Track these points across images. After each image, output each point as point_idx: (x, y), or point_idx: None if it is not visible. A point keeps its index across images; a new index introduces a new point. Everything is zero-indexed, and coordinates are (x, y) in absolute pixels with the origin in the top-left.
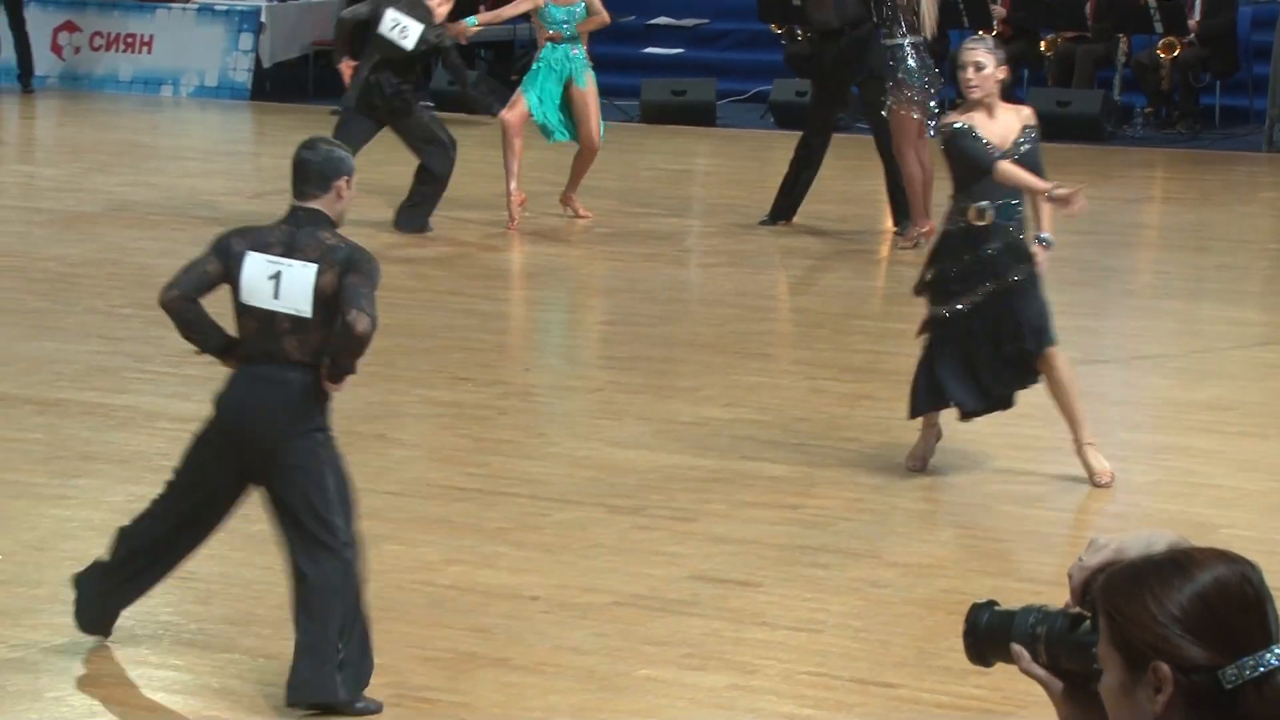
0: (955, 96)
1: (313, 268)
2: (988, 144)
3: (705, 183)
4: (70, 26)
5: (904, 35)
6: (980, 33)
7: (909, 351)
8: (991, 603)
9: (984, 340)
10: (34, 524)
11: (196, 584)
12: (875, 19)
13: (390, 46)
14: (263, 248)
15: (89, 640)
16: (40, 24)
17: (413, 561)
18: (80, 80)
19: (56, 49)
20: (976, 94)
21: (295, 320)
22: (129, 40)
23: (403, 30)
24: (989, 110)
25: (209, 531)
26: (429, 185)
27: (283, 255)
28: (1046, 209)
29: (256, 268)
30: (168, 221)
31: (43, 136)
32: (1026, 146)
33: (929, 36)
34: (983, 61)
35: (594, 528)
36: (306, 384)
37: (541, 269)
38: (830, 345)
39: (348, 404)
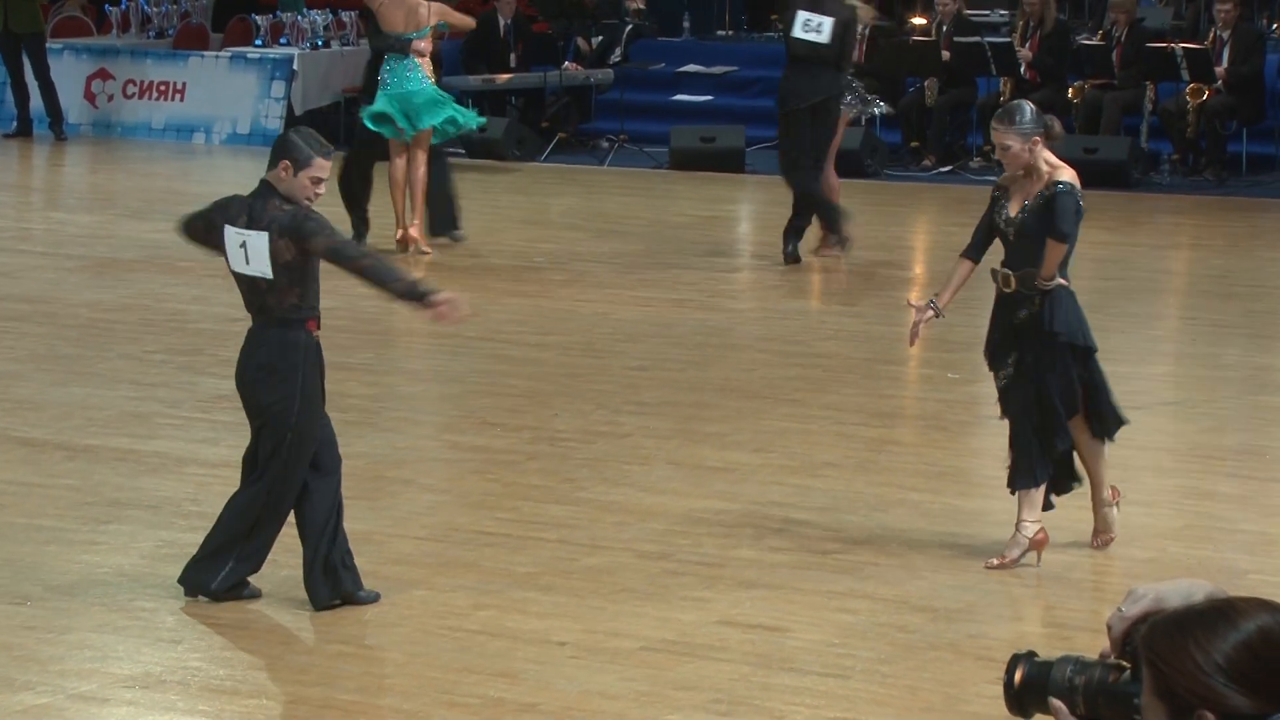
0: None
1: (265, 235)
2: (1005, 213)
3: (734, 228)
4: (103, 74)
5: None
6: (1004, 106)
7: (937, 396)
8: (1031, 653)
9: (1023, 411)
10: (64, 570)
11: (225, 629)
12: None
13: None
14: (232, 220)
15: (117, 687)
16: (73, 72)
17: (440, 607)
18: (113, 128)
19: (90, 96)
20: (1009, 171)
21: (267, 282)
22: (162, 88)
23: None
24: (1027, 175)
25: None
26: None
27: (246, 226)
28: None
29: (230, 238)
30: (199, 268)
31: (75, 183)
32: (1024, 215)
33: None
34: (1008, 144)
35: (622, 573)
36: (284, 340)
37: (570, 314)
38: (858, 390)
39: (376, 449)
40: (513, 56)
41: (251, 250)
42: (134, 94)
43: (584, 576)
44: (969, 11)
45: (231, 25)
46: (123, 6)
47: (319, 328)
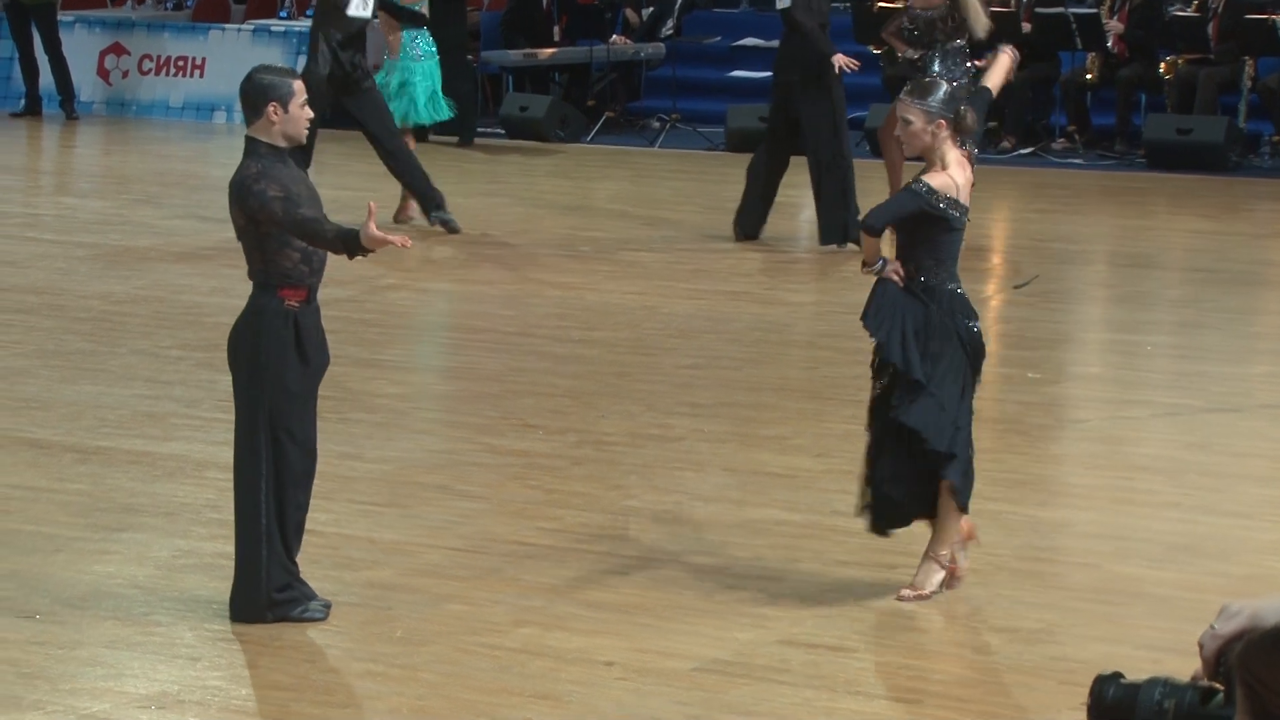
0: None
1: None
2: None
3: (794, 216)
4: (118, 49)
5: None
6: (919, 80)
7: (1015, 398)
8: (1117, 675)
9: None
10: (73, 581)
11: (247, 645)
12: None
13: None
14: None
15: (132, 707)
16: (86, 46)
17: (478, 623)
18: (128, 106)
19: (103, 73)
20: (907, 151)
21: (240, 244)
22: (180, 64)
23: (365, 3)
24: (929, 164)
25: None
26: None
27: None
28: None
29: None
30: (219, 256)
31: (87, 166)
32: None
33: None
34: (909, 119)
35: (674, 587)
36: (254, 305)
37: (618, 307)
38: None
39: (410, 453)
40: (556, 30)
41: None
42: (150, 70)
43: (632, 591)
44: None
45: None
46: None
47: (308, 299)
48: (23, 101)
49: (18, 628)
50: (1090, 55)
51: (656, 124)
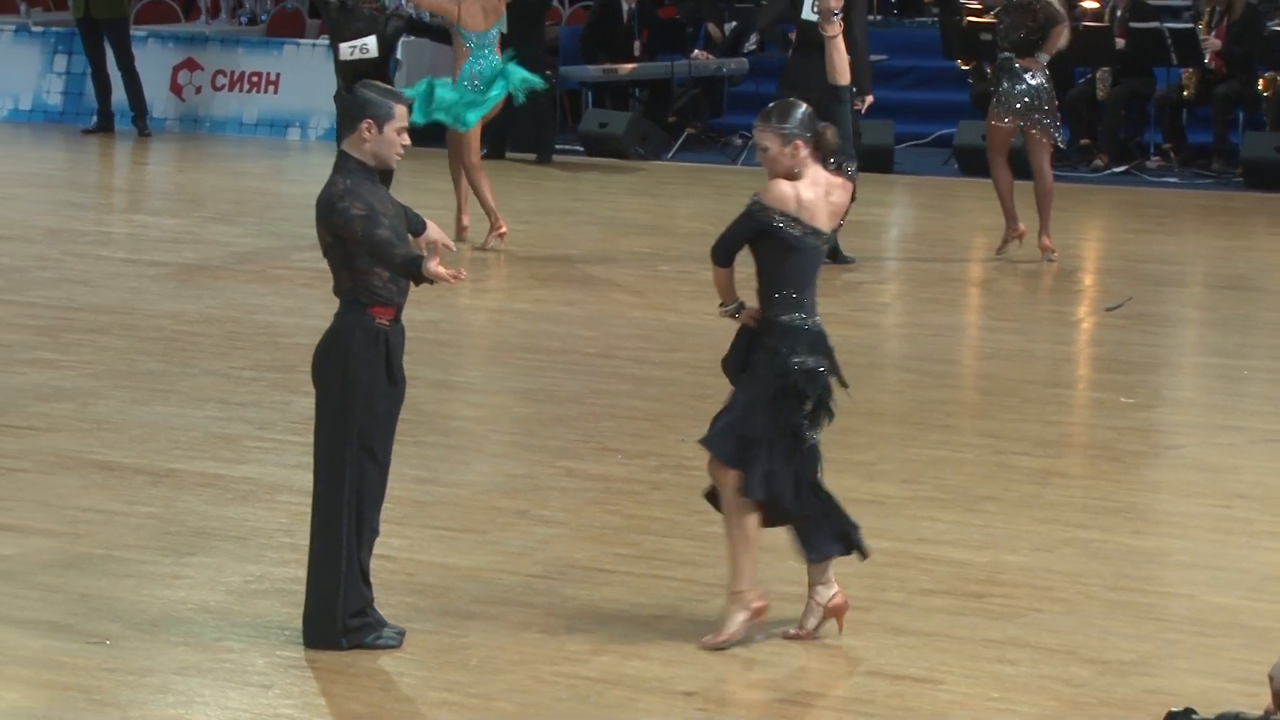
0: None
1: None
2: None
3: (880, 235)
4: (191, 64)
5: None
6: (774, 104)
7: (1108, 423)
8: (1189, 710)
9: None
10: (144, 606)
11: (319, 672)
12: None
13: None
14: None
15: None
16: (159, 62)
17: (555, 651)
18: (201, 122)
19: (176, 89)
20: (769, 175)
21: (327, 261)
22: (254, 79)
23: (363, 48)
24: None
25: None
26: None
27: None
28: None
29: None
30: (293, 275)
31: (159, 183)
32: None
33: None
34: (765, 145)
35: None
36: (343, 322)
37: (699, 328)
38: (1019, 416)
39: (487, 477)
40: (637, 45)
41: None
42: (224, 85)
43: (713, 619)
44: None
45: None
46: None
47: (396, 318)
48: (95, 118)
49: (88, 653)
50: (1186, 71)
51: (739, 141)
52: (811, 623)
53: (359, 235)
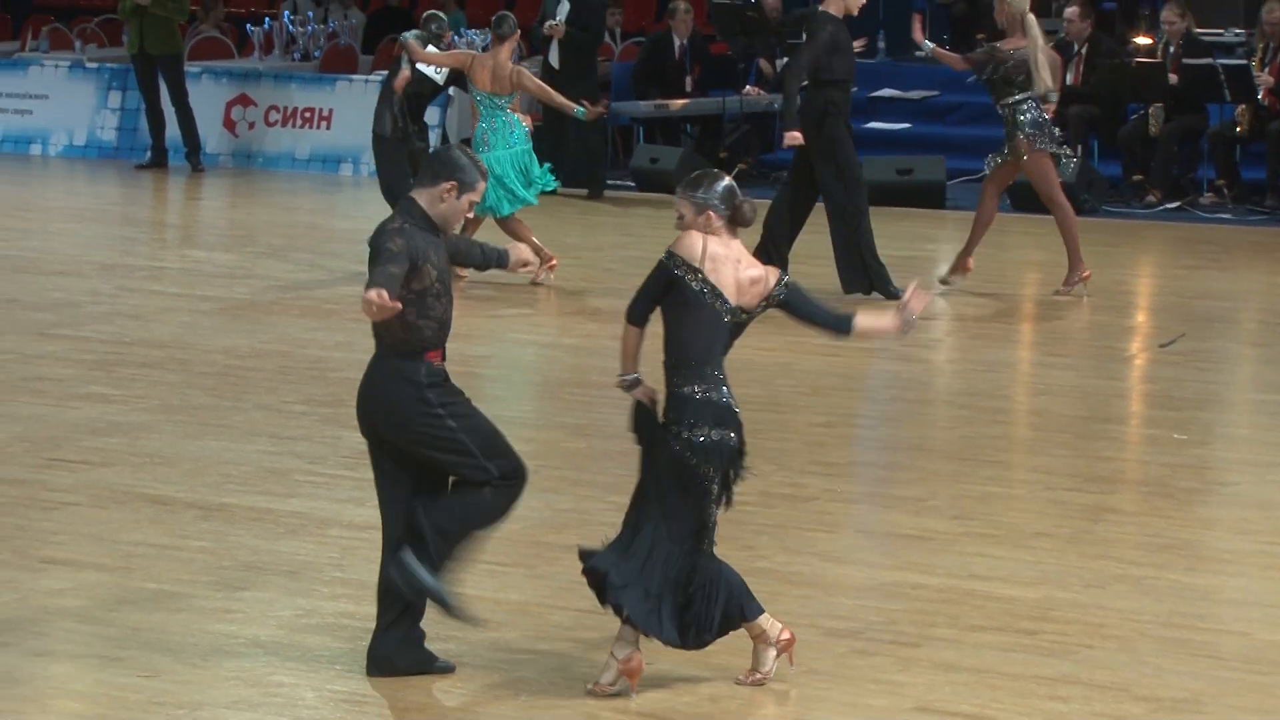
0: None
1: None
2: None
3: (932, 270)
4: (244, 100)
5: (1019, 93)
6: (695, 173)
7: (1162, 460)
8: None
9: None
10: (195, 640)
11: (371, 709)
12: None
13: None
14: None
15: None
16: (212, 97)
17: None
18: (254, 158)
19: (229, 124)
20: None
21: None
22: (307, 115)
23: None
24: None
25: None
26: None
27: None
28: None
29: None
30: (344, 310)
31: (212, 219)
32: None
33: (1042, 92)
34: (680, 213)
35: (806, 651)
36: (400, 373)
37: (749, 363)
38: (1071, 452)
39: (536, 511)
40: (688, 80)
41: None
42: (277, 121)
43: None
44: (1200, 30)
45: (383, 46)
46: (265, 26)
47: (443, 358)
48: (148, 153)
49: (139, 687)
50: (1239, 107)
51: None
52: (766, 668)
53: (372, 264)
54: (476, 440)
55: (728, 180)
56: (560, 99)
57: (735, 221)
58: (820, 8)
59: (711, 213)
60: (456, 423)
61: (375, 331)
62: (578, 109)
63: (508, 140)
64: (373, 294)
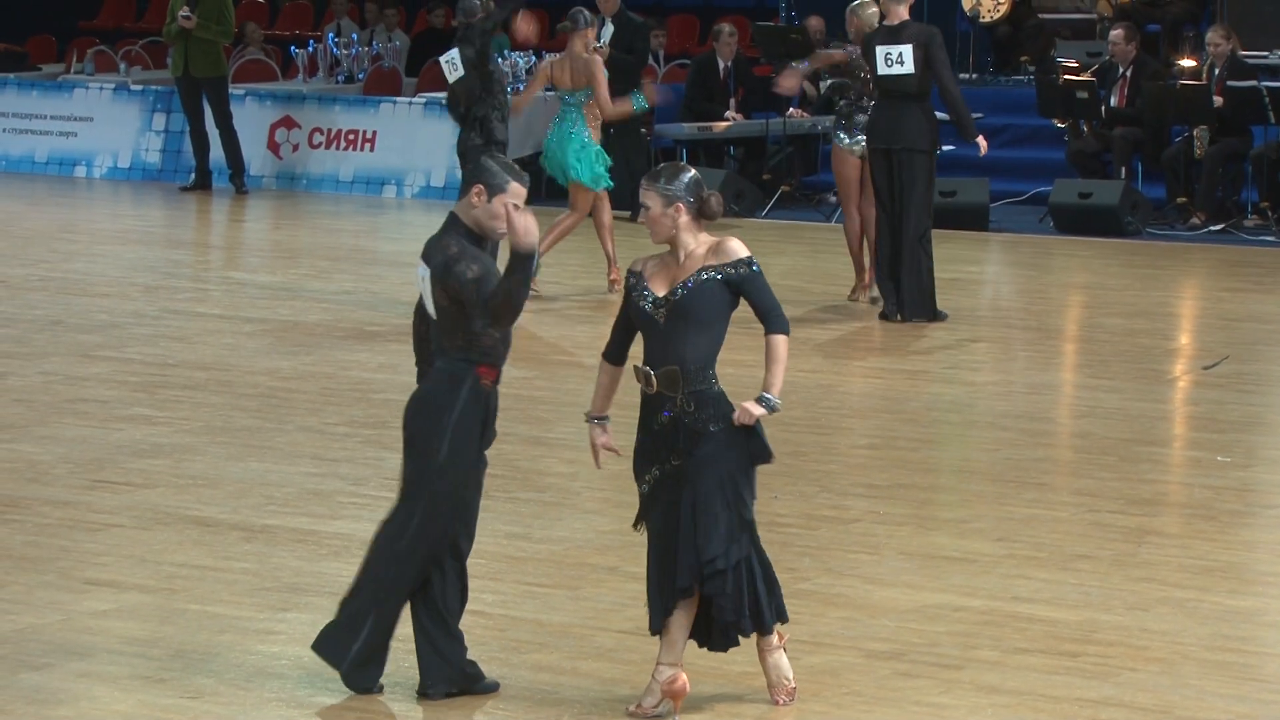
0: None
1: (428, 271)
2: (650, 297)
3: (976, 293)
4: (288, 122)
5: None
6: (663, 165)
7: (1205, 482)
8: None
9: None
10: (239, 661)
11: None
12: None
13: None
14: (423, 256)
15: None
16: (256, 120)
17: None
18: (298, 180)
19: (273, 146)
20: (653, 239)
21: (435, 321)
22: (350, 137)
23: (451, 63)
24: (674, 253)
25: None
26: None
27: (422, 259)
28: (771, 364)
29: (419, 275)
30: (387, 333)
31: (256, 240)
32: (683, 292)
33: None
34: (646, 204)
35: (848, 674)
36: (451, 374)
37: (792, 385)
38: (1115, 474)
39: (579, 533)
40: (732, 102)
41: (424, 286)
42: (320, 143)
43: (805, 677)
44: (1244, 53)
45: (426, 69)
46: (309, 49)
47: (496, 380)
48: (193, 175)
49: (182, 709)
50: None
51: (833, 199)
52: (649, 701)
53: (474, 299)
54: (447, 499)
55: (693, 172)
56: (612, 108)
57: (702, 214)
58: (909, 20)
59: (680, 204)
60: (446, 469)
61: (438, 345)
62: (636, 98)
63: (572, 131)
64: (517, 217)
